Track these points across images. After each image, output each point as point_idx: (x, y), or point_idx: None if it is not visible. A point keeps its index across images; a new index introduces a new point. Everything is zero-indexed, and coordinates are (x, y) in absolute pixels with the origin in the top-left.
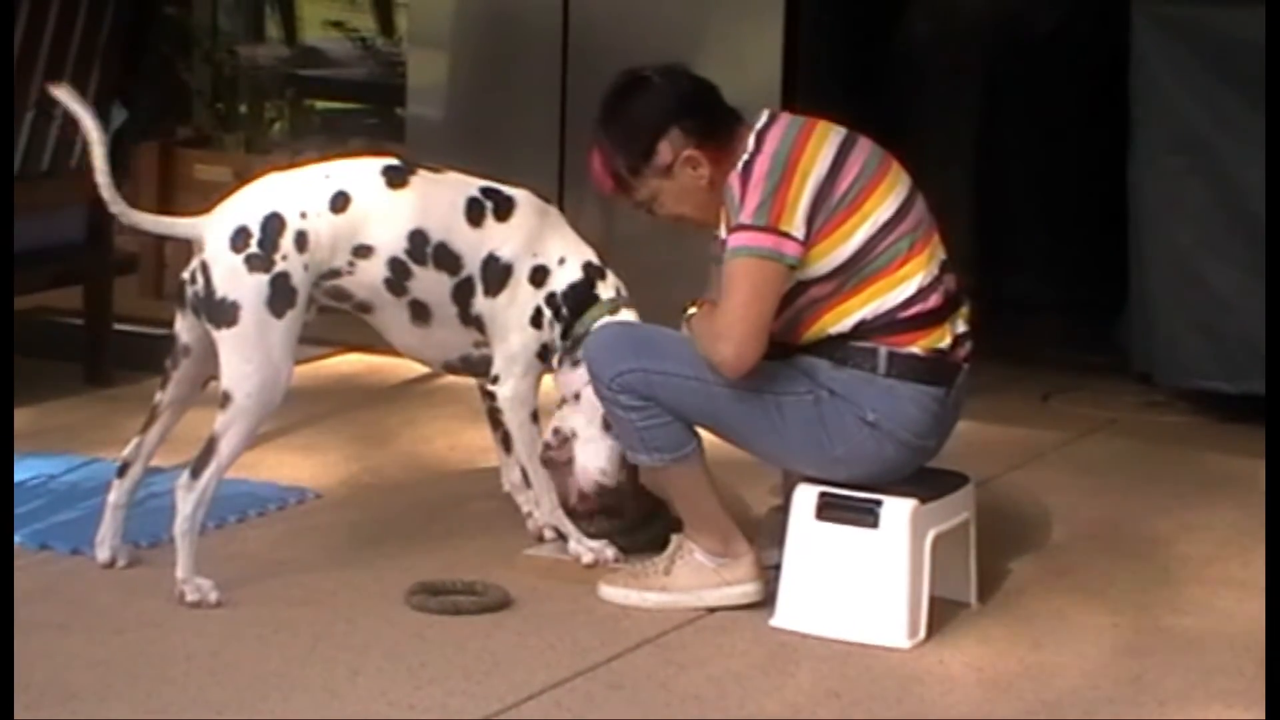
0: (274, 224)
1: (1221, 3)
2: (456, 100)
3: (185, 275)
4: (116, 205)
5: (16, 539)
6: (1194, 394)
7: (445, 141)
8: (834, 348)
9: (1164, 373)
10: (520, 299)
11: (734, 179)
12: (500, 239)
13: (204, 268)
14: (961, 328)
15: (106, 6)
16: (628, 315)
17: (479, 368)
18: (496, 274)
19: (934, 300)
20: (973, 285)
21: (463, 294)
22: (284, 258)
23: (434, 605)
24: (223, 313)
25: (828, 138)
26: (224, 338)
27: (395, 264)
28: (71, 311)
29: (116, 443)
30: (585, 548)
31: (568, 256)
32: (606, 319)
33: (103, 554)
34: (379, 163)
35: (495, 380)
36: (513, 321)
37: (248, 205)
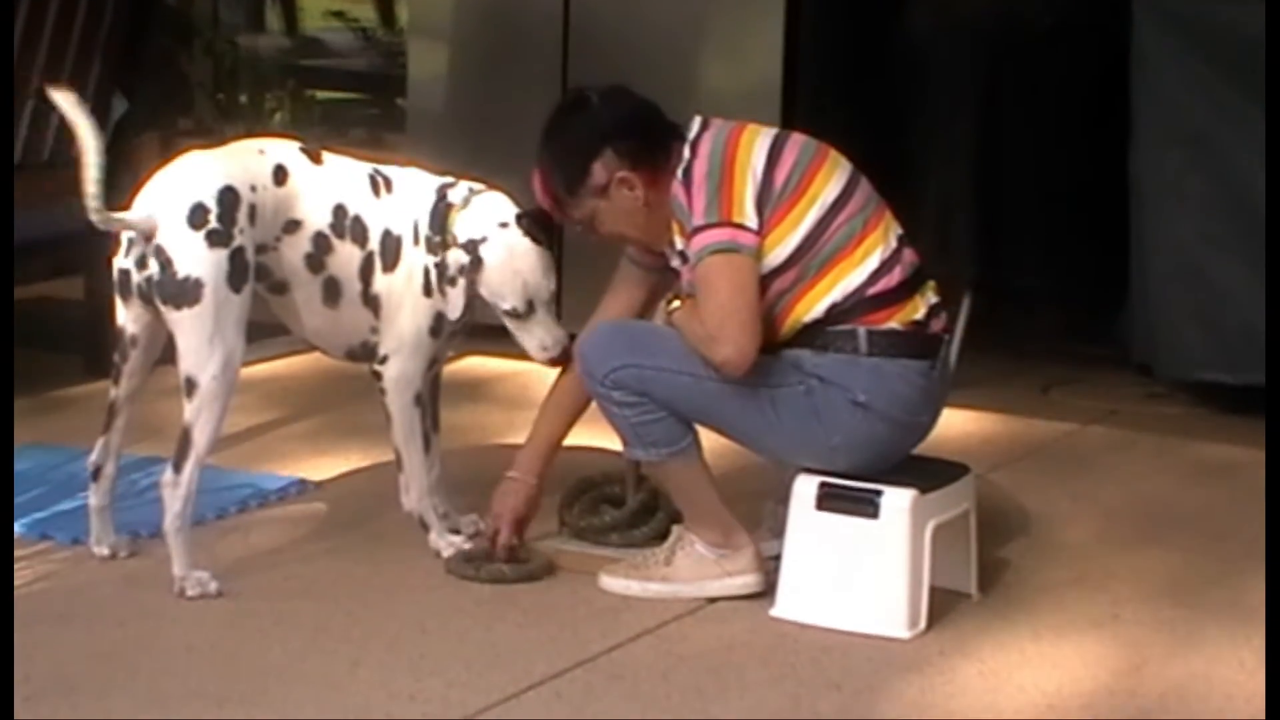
0: (230, 198)
1: None
2: (457, 91)
3: (126, 264)
4: (99, 214)
5: (17, 529)
6: (1194, 386)
7: (446, 132)
8: (814, 335)
9: (1164, 364)
10: (414, 268)
11: (677, 188)
12: (391, 212)
13: (159, 251)
14: (933, 299)
15: None
16: (482, 199)
17: (376, 354)
18: (391, 249)
19: (897, 275)
20: (973, 278)
21: (366, 270)
22: (240, 231)
23: (481, 574)
24: (185, 293)
25: (759, 135)
26: (183, 318)
27: (319, 238)
28: (72, 302)
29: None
30: (446, 542)
31: (422, 193)
32: (460, 215)
33: (102, 551)
34: (291, 142)
35: (383, 361)
36: (408, 297)
37: (197, 181)
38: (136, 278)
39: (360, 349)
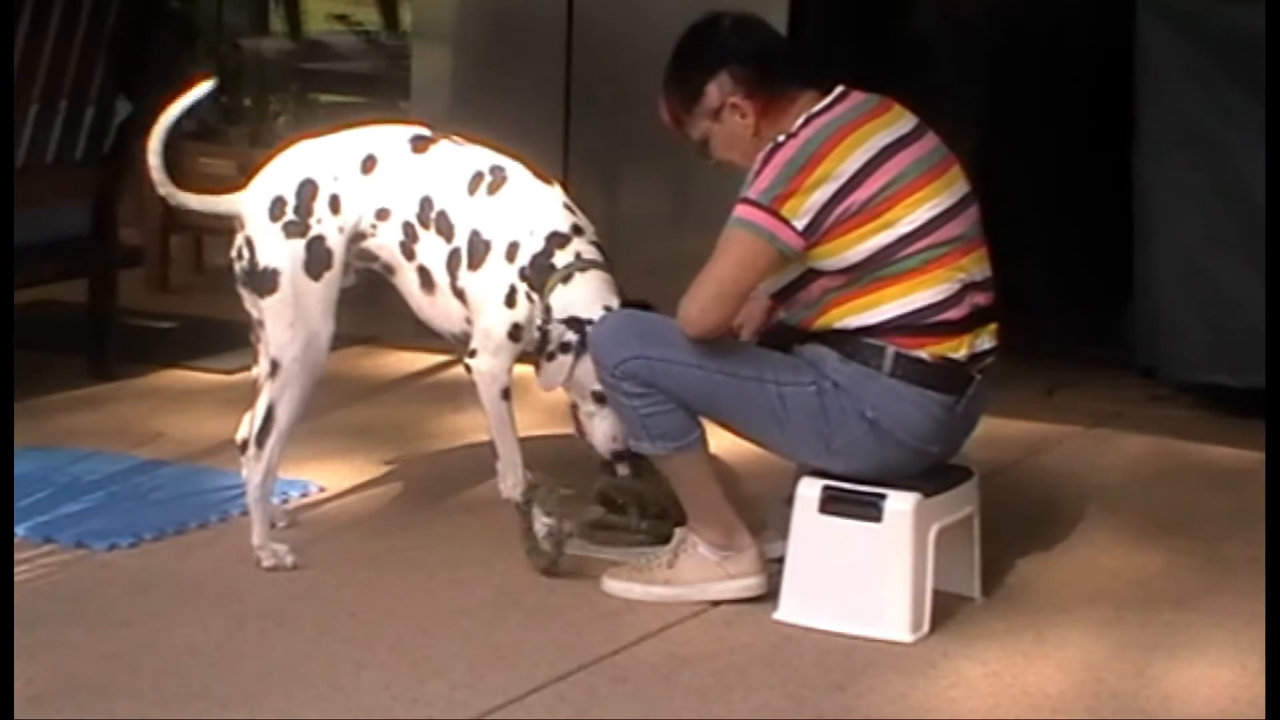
0: (307, 189)
1: None
2: (460, 93)
3: (232, 253)
4: (165, 187)
5: (20, 532)
6: (1198, 388)
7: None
8: (844, 340)
9: (1168, 367)
10: (497, 276)
11: (761, 155)
12: (484, 214)
13: (248, 242)
14: (986, 344)
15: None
16: (585, 279)
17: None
18: (479, 249)
19: (953, 314)
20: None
21: (453, 264)
22: (318, 221)
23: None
24: (264, 282)
25: (871, 138)
26: (267, 306)
27: (407, 227)
28: (76, 304)
29: (120, 435)
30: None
31: (536, 227)
32: (560, 287)
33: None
34: (407, 130)
35: (472, 354)
36: (490, 298)
37: (281, 174)
38: (236, 267)
39: (463, 336)
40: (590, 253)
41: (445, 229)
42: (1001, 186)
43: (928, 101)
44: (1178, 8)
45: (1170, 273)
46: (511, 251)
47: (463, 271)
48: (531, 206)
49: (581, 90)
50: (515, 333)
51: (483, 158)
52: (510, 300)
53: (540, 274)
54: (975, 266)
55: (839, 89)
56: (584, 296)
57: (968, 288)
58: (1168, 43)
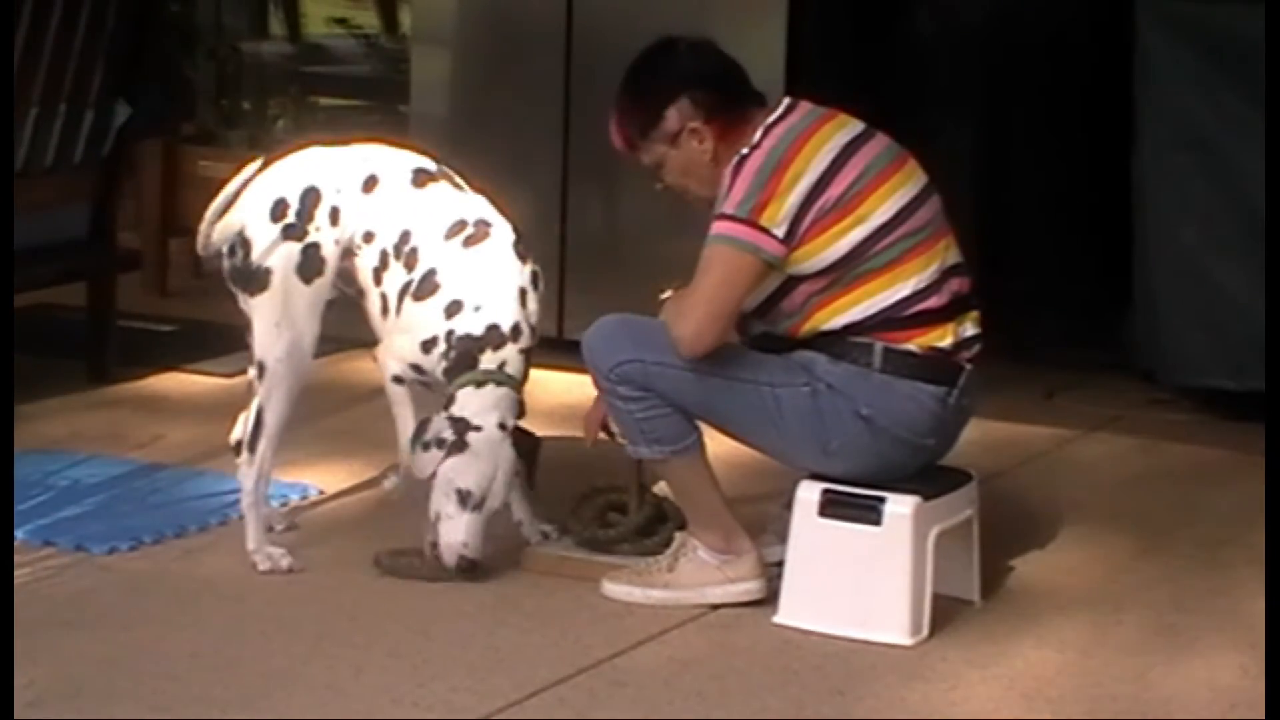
0: (310, 197)
1: (1225, 0)
2: (460, 96)
3: (225, 249)
4: (203, 247)
5: (19, 536)
6: (1198, 392)
7: (449, 138)
8: (831, 342)
9: (1168, 370)
10: (430, 318)
11: (728, 170)
12: (448, 260)
13: (244, 242)
14: (969, 331)
15: (110, 3)
16: (496, 392)
17: (423, 376)
18: (428, 285)
19: (934, 301)
20: (976, 283)
21: (403, 292)
22: (317, 229)
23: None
24: (256, 280)
25: (831, 139)
26: (255, 305)
27: (382, 254)
28: (75, 308)
29: (119, 439)
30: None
31: (484, 304)
32: (470, 388)
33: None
34: (413, 159)
35: (380, 346)
36: (415, 331)
37: (287, 178)
38: (227, 265)
39: (411, 370)
40: (515, 365)
41: (410, 263)
42: (1001, 189)
43: (927, 104)
44: (1178, 11)
45: (1170, 276)
46: (453, 309)
47: (408, 299)
48: (493, 278)
49: (581, 93)
50: (409, 371)
51: (473, 208)
52: (427, 347)
53: (459, 362)
54: (948, 253)
55: (787, 100)
56: (483, 406)
57: (945, 274)
58: (1168, 46)
